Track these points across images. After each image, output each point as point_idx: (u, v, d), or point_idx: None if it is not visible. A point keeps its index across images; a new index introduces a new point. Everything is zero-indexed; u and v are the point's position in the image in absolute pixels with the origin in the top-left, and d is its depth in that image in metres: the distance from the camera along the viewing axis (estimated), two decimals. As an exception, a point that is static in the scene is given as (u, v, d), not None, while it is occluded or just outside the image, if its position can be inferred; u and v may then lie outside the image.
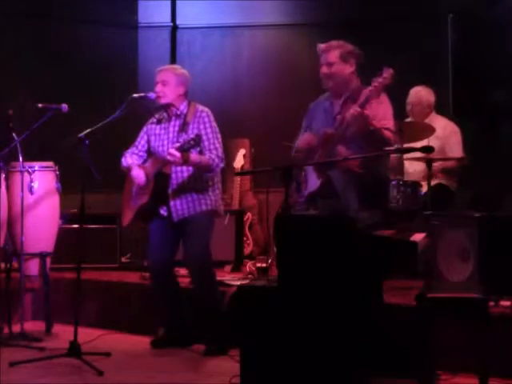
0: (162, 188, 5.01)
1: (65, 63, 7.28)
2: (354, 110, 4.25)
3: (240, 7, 7.64)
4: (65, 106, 5.28)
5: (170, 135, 5.10)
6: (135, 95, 5.09)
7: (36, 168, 5.50)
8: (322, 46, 4.63)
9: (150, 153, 5.21)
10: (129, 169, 5.13)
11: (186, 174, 5.03)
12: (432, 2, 7.00)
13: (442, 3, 6.92)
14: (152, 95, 5.09)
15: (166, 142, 5.10)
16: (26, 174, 5.43)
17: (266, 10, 7.62)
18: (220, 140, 5.09)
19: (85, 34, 7.43)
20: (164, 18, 7.78)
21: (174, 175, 5.02)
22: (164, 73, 5.13)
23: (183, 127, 5.06)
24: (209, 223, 5.14)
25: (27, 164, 5.44)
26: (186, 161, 4.87)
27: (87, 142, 4.75)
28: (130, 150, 5.24)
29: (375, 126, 4.30)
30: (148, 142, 5.22)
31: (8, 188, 5.41)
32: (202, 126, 5.04)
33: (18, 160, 5.37)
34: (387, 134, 4.35)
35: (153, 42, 7.72)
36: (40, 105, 5.29)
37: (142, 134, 5.27)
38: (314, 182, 4.53)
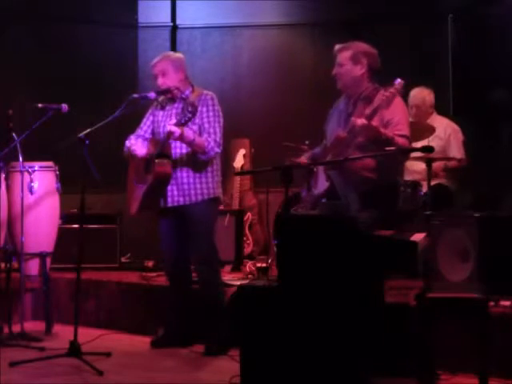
0: (163, 166, 4.95)
1: (65, 63, 7.28)
2: (361, 121, 4.23)
3: (240, 7, 7.64)
4: (65, 106, 5.28)
5: (173, 117, 5.05)
6: (135, 95, 5.08)
7: (36, 168, 5.50)
8: (336, 46, 4.59)
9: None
10: (130, 150, 5.08)
11: (184, 151, 5.00)
12: (432, 2, 6.99)
13: (442, 3, 6.92)
14: (152, 95, 5.08)
15: (166, 124, 5.06)
16: (26, 173, 5.42)
17: (265, 10, 7.62)
18: (221, 125, 5.04)
19: (85, 33, 7.43)
20: (164, 18, 7.78)
21: (173, 151, 4.98)
22: (160, 63, 5.11)
23: (184, 109, 5.02)
24: (209, 214, 5.11)
25: (27, 164, 5.44)
26: (181, 134, 4.83)
27: (87, 141, 4.75)
28: (134, 133, 5.22)
29: (387, 135, 4.28)
30: (152, 123, 5.20)
31: (8, 188, 5.40)
32: (204, 109, 5.01)
33: (18, 160, 5.37)
34: (401, 141, 4.33)
35: (153, 42, 7.71)
36: (40, 105, 5.29)
37: (147, 115, 5.25)
38: (323, 183, 4.53)
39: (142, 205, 5.04)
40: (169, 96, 5.12)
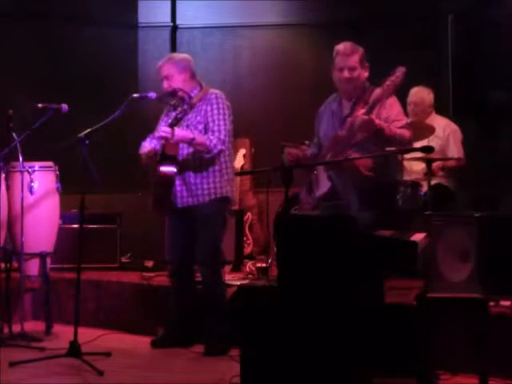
0: (163, 172, 4.97)
1: (65, 63, 7.28)
2: (361, 117, 4.22)
3: (240, 7, 7.64)
4: (65, 106, 5.29)
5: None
6: (135, 95, 5.08)
7: (36, 168, 5.50)
8: (341, 48, 4.50)
9: None
10: (150, 153, 5.09)
11: (191, 152, 5.00)
12: (432, 2, 6.99)
13: (442, 3, 6.92)
14: (152, 95, 5.08)
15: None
16: (26, 173, 5.42)
17: (265, 10, 7.62)
18: (227, 123, 5.00)
19: (85, 34, 7.43)
20: (164, 17, 7.77)
21: (180, 152, 4.99)
22: (164, 67, 5.11)
23: (188, 110, 5.03)
24: (217, 214, 5.09)
25: (27, 164, 5.44)
26: (172, 135, 4.84)
27: (87, 142, 4.75)
28: (148, 137, 5.22)
29: (384, 126, 4.27)
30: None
31: (8, 188, 5.40)
32: (209, 108, 5.01)
33: (18, 160, 5.37)
34: (400, 131, 4.33)
35: (153, 42, 7.72)
36: (40, 105, 5.29)
37: (162, 117, 5.26)
38: (324, 184, 4.52)
39: (155, 204, 5.07)
40: (175, 98, 5.12)
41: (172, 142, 4.88)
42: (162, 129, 4.89)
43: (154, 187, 5.03)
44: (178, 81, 5.06)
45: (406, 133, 4.37)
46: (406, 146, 4.42)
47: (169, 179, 4.97)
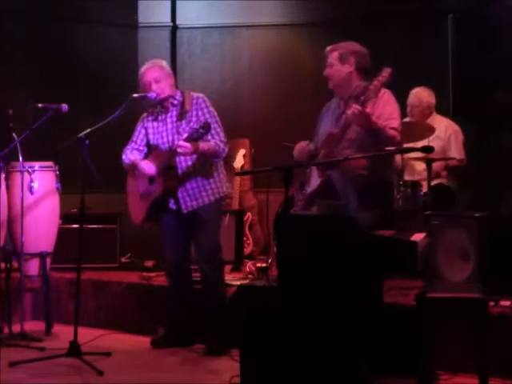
0: (171, 180, 5.01)
1: (65, 63, 7.27)
2: (354, 107, 4.25)
3: (240, 7, 7.64)
4: (65, 106, 5.28)
5: (169, 126, 5.09)
6: (135, 95, 5.08)
7: (36, 168, 5.50)
8: (327, 48, 4.62)
9: (149, 147, 5.21)
10: (133, 165, 5.11)
11: (190, 163, 5.02)
12: (432, 2, 6.99)
13: (442, 3, 6.92)
14: (152, 95, 5.08)
15: (165, 134, 5.10)
16: (26, 173, 5.43)
17: (266, 10, 7.62)
18: (220, 124, 5.07)
19: (85, 33, 7.42)
20: (164, 17, 7.77)
21: (179, 165, 5.02)
22: (151, 71, 5.11)
23: (181, 116, 5.05)
24: (218, 213, 5.21)
25: (27, 164, 5.45)
26: (196, 150, 4.88)
27: (87, 142, 4.75)
28: (129, 147, 5.22)
29: (378, 124, 4.29)
30: (146, 135, 5.21)
31: (8, 188, 5.41)
32: (200, 113, 5.04)
33: (18, 160, 5.38)
34: (392, 132, 4.34)
35: (153, 42, 7.72)
36: (40, 105, 5.29)
37: (138, 128, 5.24)
38: (315, 181, 4.53)
39: (148, 216, 5.08)
40: (158, 108, 5.12)
41: (185, 155, 4.91)
42: (183, 145, 4.84)
43: (154, 199, 5.04)
44: (167, 84, 5.09)
45: (397, 135, 4.37)
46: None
47: (173, 190, 5.00)
